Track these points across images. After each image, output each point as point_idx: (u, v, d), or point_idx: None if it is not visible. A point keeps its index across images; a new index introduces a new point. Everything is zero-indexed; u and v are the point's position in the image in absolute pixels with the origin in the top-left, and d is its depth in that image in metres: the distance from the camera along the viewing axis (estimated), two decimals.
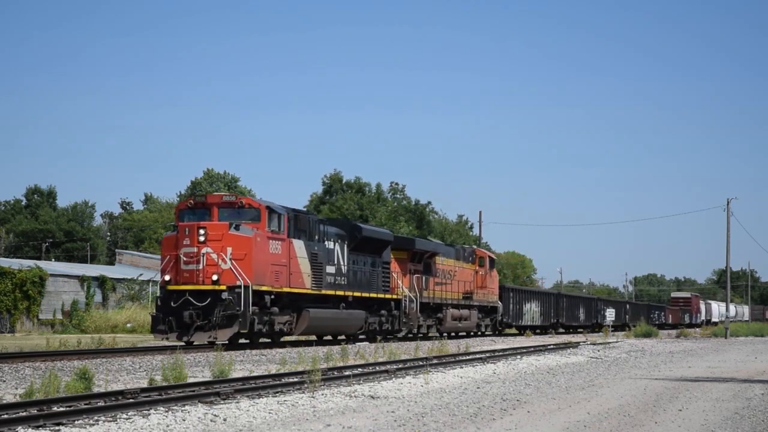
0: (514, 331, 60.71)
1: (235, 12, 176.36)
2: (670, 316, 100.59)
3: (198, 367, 21.14)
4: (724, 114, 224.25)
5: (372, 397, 15.45)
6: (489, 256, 51.55)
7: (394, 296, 38.15)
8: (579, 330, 71.06)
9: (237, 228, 27.82)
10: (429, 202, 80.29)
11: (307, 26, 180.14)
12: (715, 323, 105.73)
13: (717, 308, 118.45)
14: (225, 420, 12.34)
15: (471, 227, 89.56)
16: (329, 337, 39.49)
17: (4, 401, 13.26)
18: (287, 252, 29.79)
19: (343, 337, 36.19)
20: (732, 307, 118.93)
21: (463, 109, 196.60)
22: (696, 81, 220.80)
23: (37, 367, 19.99)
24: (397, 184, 79.76)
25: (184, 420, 12.14)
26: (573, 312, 68.50)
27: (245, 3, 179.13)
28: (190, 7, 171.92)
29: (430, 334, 42.38)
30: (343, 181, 76.92)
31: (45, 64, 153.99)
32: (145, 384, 16.35)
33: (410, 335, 41.19)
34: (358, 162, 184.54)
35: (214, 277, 27.13)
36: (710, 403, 15.68)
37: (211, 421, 12.23)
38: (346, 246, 34.06)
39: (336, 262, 33.42)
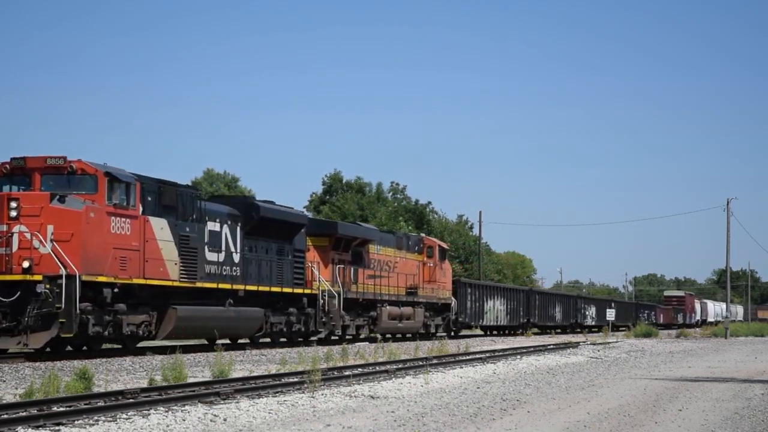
0: (476, 331, 56.34)
1: (235, 12, 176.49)
2: (662, 315, 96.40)
3: (198, 367, 21.15)
4: (724, 114, 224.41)
5: (372, 397, 15.45)
6: (439, 246, 45.65)
7: (309, 291, 32.31)
8: (557, 331, 66.55)
9: (62, 200, 21.86)
10: (429, 202, 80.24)
11: (307, 26, 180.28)
12: (712, 323, 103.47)
13: (713, 308, 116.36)
14: (225, 420, 12.34)
15: (471, 227, 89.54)
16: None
17: (4, 401, 13.26)
18: (140, 233, 23.70)
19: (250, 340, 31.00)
20: (724, 306, 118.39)
21: (463, 109, 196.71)
22: (696, 81, 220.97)
23: (37, 367, 19.98)
24: (397, 184, 79.76)
25: (184, 420, 12.14)
26: (547, 311, 63.48)
27: (245, 3, 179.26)
28: (190, 7, 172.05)
29: (362, 336, 37.19)
30: (343, 181, 76.91)
31: (45, 64, 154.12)
32: (145, 384, 16.35)
33: (335, 337, 35.67)
34: (358, 162, 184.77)
35: (26, 264, 21.26)
36: (710, 403, 15.67)
37: (211, 421, 12.22)
38: (239, 228, 28.17)
39: (223, 247, 27.47)
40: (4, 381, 17.09)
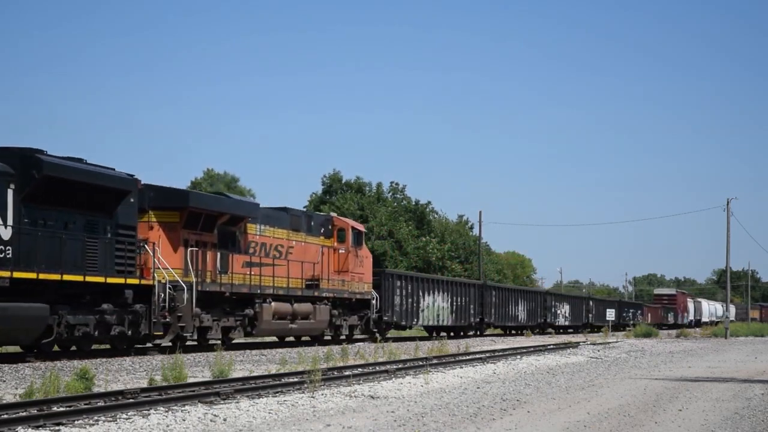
0: (412, 332, 48.67)
1: (235, 12, 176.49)
2: (649, 315, 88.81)
3: (198, 367, 21.16)
4: (724, 114, 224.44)
5: (372, 397, 15.45)
6: (353, 228, 36.70)
7: (137, 281, 24.59)
8: (522, 331, 58.67)
9: None
10: (429, 202, 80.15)
11: (307, 26, 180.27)
12: (706, 324, 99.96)
13: (708, 307, 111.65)
14: (225, 420, 12.35)
15: (471, 227, 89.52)
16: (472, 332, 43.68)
17: (4, 401, 13.26)
18: None
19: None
20: (719, 305, 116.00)
21: (463, 109, 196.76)
22: (696, 81, 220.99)
23: (37, 367, 19.99)
24: (397, 184, 79.64)
25: (184, 420, 12.14)
26: (508, 309, 55.77)
27: (245, 3, 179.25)
28: (190, 7, 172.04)
29: (236, 340, 31.12)
30: (343, 181, 76.90)
31: (45, 64, 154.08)
32: (145, 384, 16.36)
33: (192, 342, 28.63)
34: (358, 162, 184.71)
35: None
36: (710, 403, 15.68)
37: (211, 421, 12.23)
38: (12, 192, 21.01)
39: None
40: (4, 381, 17.10)
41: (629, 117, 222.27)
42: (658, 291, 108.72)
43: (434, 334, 43.76)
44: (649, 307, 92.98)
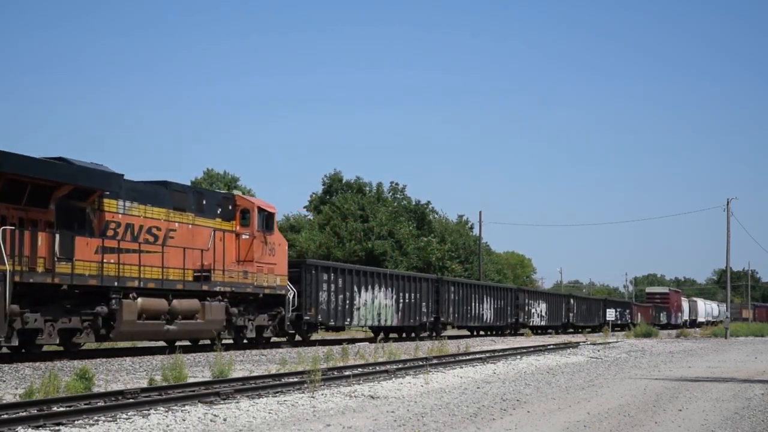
0: (347, 334, 44.65)
1: (235, 12, 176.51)
2: (639, 314, 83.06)
3: (198, 367, 21.16)
4: (724, 114, 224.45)
5: (372, 397, 15.46)
6: (260, 208, 30.22)
7: None
8: (490, 332, 54.79)
9: None
10: (429, 202, 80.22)
11: (308, 27, 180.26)
12: (702, 324, 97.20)
13: (704, 307, 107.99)
14: (225, 420, 12.35)
15: (471, 227, 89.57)
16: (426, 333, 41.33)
17: (4, 401, 13.26)
18: None
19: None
20: (715, 305, 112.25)
21: (463, 109, 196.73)
22: (696, 81, 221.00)
23: (37, 367, 19.99)
24: (397, 184, 79.70)
25: (184, 420, 12.14)
26: (470, 307, 49.61)
27: (245, 3, 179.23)
28: (190, 7, 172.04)
29: (84, 346, 25.57)
30: (343, 181, 76.95)
31: (45, 65, 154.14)
32: (145, 384, 16.36)
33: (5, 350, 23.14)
34: (358, 162, 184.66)
35: None
36: (710, 403, 15.68)
37: (211, 421, 12.23)
38: None
39: None
40: (4, 381, 17.10)
41: (629, 117, 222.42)
42: (650, 289, 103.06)
43: (383, 335, 39.10)
44: (639, 307, 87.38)
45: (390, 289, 41.01)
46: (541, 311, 60.68)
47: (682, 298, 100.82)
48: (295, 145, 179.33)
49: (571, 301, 67.93)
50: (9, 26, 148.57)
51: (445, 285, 46.82)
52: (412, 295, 43.04)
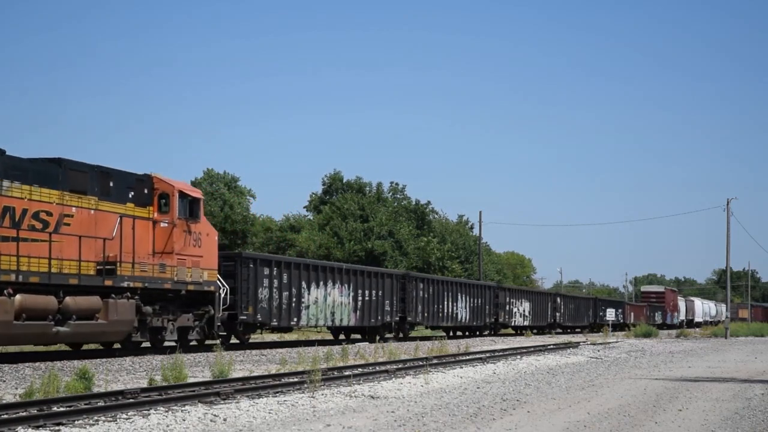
0: (302, 335, 41.57)
1: (235, 13, 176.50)
2: (632, 314, 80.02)
3: (198, 367, 21.16)
4: (724, 114, 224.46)
5: (372, 397, 15.46)
6: (182, 192, 26.32)
7: None
8: (467, 333, 50.93)
9: None
10: (429, 202, 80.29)
11: (308, 27, 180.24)
12: (699, 324, 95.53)
13: (702, 306, 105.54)
14: (225, 420, 12.35)
15: (471, 227, 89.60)
16: (329, 337, 38.11)
17: (4, 401, 13.26)
18: None
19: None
20: (713, 305, 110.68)
21: (463, 109, 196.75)
22: (696, 82, 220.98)
23: (37, 367, 19.99)
24: (397, 184, 79.80)
25: (184, 420, 12.14)
26: (442, 305, 45.90)
27: (245, 4, 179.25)
28: (190, 8, 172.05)
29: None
30: (343, 181, 77.02)
31: (46, 65, 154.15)
32: (145, 384, 16.36)
33: None
34: (358, 162, 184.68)
35: None
36: (710, 403, 15.68)
37: (211, 421, 12.23)
38: None
39: None
40: (4, 381, 17.10)
41: (629, 117, 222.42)
42: (645, 288, 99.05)
43: (341, 338, 38.67)
44: (633, 306, 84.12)
45: (346, 285, 37.14)
46: (523, 310, 56.98)
47: (679, 298, 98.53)
48: (295, 145, 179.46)
49: (558, 299, 63.93)
50: (10, 27, 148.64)
51: (412, 281, 43.03)
52: (374, 292, 39.25)
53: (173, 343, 26.19)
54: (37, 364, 21.00)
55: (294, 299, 33.37)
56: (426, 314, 44.11)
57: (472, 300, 49.60)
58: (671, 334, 63.27)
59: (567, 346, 37.50)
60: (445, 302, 46.40)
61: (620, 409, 14.38)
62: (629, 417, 13.48)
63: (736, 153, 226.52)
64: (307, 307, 34.16)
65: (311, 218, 75.27)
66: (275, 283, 32.10)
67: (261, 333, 37.25)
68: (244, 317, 30.44)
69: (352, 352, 26.74)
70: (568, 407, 14.59)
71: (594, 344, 40.67)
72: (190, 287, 26.61)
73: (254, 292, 30.93)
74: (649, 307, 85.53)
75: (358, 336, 40.78)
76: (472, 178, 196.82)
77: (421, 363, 22.65)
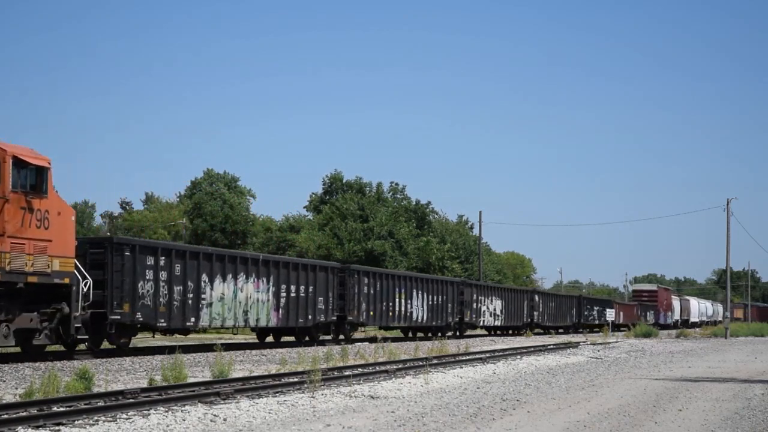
0: (169, 340, 32.88)
1: (235, 13, 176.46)
2: (621, 314, 75.10)
3: (198, 367, 21.16)
4: (724, 114, 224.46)
5: (372, 397, 15.46)
6: (18, 158, 21.17)
7: None
8: (426, 335, 45.32)
9: None
10: (429, 202, 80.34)
11: (308, 27, 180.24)
12: (695, 325, 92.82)
13: (697, 306, 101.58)
14: (225, 420, 12.35)
15: (471, 227, 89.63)
16: (329, 337, 37.62)
17: (4, 401, 13.26)
18: None
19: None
20: (710, 305, 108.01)
21: (463, 109, 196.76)
22: (696, 82, 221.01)
23: (37, 367, 19.99)
24: (397, 184, 79.87)
25: (184, 420, 12.15)
26: (393, 303, 40.30)
27: (245, 4, 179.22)
28: (190, 8, 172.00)
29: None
30: (343, 181, 77.07)
31: (46, 65, 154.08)
32: (145, 384, 16.36)
33: None
34: (358, 162, 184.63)
35: None
36: (710, 403, 15.68)
37: (211, 421, 12.23)
38: None
39: None
40: (4, 381, 17.10)
41: (629, 117, 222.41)
42: (637, 286, 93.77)
43: (268, 341, 34.23)
44: (622, 305, 79.21)
45: (265, 279, 31.42)
46: (494, 309, 51.41)
47: (673, 297, 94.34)
48: (295, 145, 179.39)
49: (536, 297, 58.86)
50: (10, 27, 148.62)
51: (354, 276, 37.41)
52: (303, 287, 33.48)
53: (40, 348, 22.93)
54: (37, 364, 21.00)
55: (191, 295, 27.97)
56: (372, 313, 38.71)
57: (431, 297, 44.13)
58: (671, 334, 63.26)
59: (567, 346, 37.53)
60: (397, 299, 40.77)
61: (620, 409, 14.38)
62: (629, 417, 13.48)
63: (736, 153, 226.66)
64: (209, 304, 28.83)
65: (311, 218, 75.29)
66: (163, 275, 26.83)
67: (153, 336, 32.12)
68: (117, 317, 25.10)
69: (352, 352, 26.75)
70: (568, 407, 14.59)
71: (594, 344, 40.70)
72: (31, 279, 21.26)
73: (132, 287, 25.62)
74: (640, 307, 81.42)
75: (292, 338, 35.46)
76: (472, 178, 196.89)
77: (421, 363, 22.65)
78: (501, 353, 29.31)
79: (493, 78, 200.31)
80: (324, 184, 78.56)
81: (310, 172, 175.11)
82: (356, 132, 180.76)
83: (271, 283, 31.75)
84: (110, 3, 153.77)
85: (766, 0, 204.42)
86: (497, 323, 53.08)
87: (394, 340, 31.61)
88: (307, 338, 34.77)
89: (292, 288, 33.11)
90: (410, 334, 45.75)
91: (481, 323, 50.61)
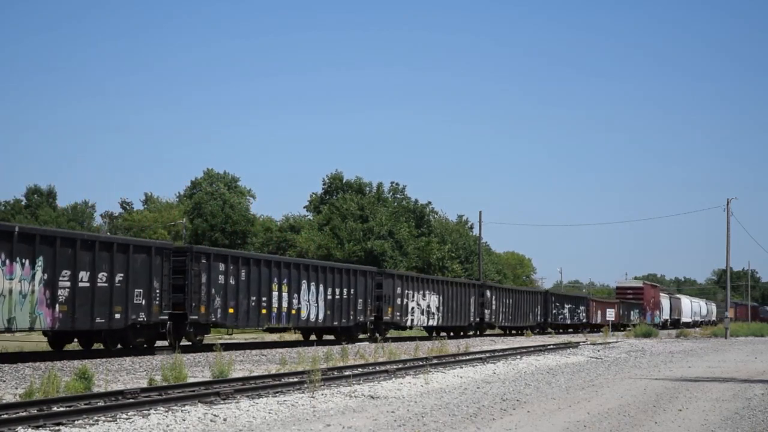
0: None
1: (235, 13, 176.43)
2: (599, 313, 67.79)
3: (198, 367, 21.16)
4: (724, 114, 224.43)
5: (372, 397, 15.46)
6: None
7: None
8: (332, 337, 37.25)
9: None
10: (429, 202, 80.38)
11: (308, 27, 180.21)
12: (687, 325, 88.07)
13: (689, 305, 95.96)
14: (225, 420, 12.35)
15: (471, 227, 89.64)
16: (330, 337, 37.33)
17: (4, 401, 13.26)
18: None
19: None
20: (703, 304, 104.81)
21: (463, 109, 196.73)
22: (696, 82, 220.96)
23: (37, 367, 19.99)
24: (397, 184, 79.93)
25: (184, 420, 12.15)
26: (266, 298, 30.93)
27: (246, 4, 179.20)
28: (190, 8, 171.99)
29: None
30: (343, 181, 77.10)
31: (45, 65, 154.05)
32: (145, 384, 16.37)
33: None
34: (358, 162, 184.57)
35: None
36: (710, 403, 15.69)
37: (211, 421, 12.23)
38: None
39: None
40: (4, 381, 17.10)
41: (629, 117, 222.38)
42: (620, 283, 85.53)
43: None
44: (601, 303, 71.05)
45: (30, 261, 22.42)
46: (428, 306, 43.21)
47: (662, 295, 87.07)
48: (295, 145, 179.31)
49: (488, 293, 50.25)
50: (9, 27, 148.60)
51: (199, 261, 27.98)
52: (105, 274, 24.61)
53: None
54: (37, 364, 21.01)
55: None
56: (235, 310, 29.49)
57: (331, 290, 34.89)
58: (671, 334, 63.25)
59: (567, 346, 37.56)
60: (275, 293, 31.46)
61: (620, 409, 14.38)
62: (629, 417, 13.48)
63: (736, 153, 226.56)
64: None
65: (311, 218, 75.31)
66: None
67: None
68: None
69: (352, 352, 26.75)
70: (568, 407, 14.59)
71: (594, 344, 40.74)
72: None
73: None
74: (622, 305, 73.94)
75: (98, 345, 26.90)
76: (472, 178, 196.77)
77: (421, 363, 22.65)
78: (501, 353, 29.33)
79: (493, 78, 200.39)
80: (324, 184, 78.61)
81: (310, 172, 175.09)
82: (356, 132, 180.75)
83: (41, 267, 22.52)
84: (110, 3, 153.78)
85: (766, 0, 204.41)
86: (432, 323, 44.24)
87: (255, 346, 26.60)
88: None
89: (86, 275, 24.02)
90: (309, 337, 37.06)
91: (409, 323, 41.69)
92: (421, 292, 42.79)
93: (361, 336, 37.85)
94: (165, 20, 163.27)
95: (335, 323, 35.41)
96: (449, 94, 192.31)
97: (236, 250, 42.32)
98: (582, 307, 65.38)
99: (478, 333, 48.64)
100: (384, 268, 44.99)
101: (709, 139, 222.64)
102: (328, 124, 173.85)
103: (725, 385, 19.48)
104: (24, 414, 11.96)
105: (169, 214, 78.89)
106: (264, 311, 30.97)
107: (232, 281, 29.41)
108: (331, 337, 37.33)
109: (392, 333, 42.76)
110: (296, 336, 37.83)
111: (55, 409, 12.68)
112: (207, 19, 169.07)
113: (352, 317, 36.47)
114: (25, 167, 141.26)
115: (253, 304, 30.39)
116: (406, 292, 41.29)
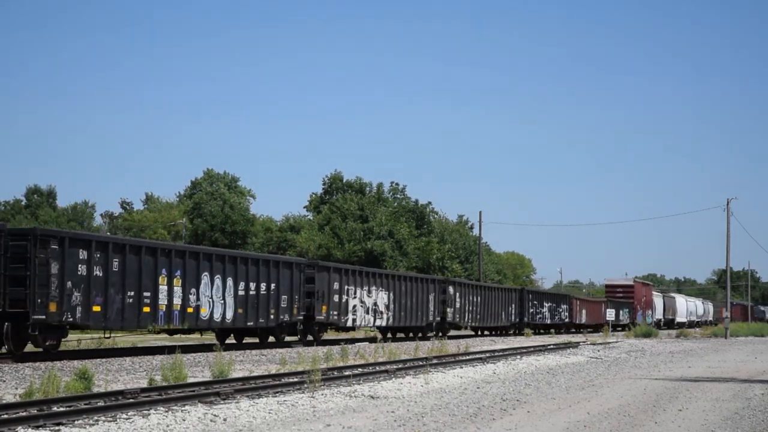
0: None
1: (235, 12, 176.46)
2: (584, 312, 63.53)
3: (198, 367, 21.16)
4: (724, 114, 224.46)
5: (372, 397, 15.46)
6: None
7: None
8: (253, 341, 32.79)
9: None
10: (429, 202, 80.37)
11: (308, 26, 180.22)
12: (682, 325, 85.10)
13: (685, 305, 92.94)
14: (225, 420, 12.35)
15: (471, 227, 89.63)
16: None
17: (4, 401, 13.26)
18: None
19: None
20: (700, 303, 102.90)
21: (463, 109, 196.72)
22: (696, 82, 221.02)
23: (37, 367, 19.99)
24: (397, 184, 79.94)
25: (184, 420, 12.15)
26: (150, 293, 25.18)
27: (246, 4, 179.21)
28: (190, 7, 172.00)
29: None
30: (343, 181, 77.10)
31: (45, 64, 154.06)
32: (145, 384, 16.36)
33: None
34: (358, 162, 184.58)
35: None
36: (710, 403, 15.69)
37: (211, 421, 12.24)
38: None
39: None
40: (4, 381, 17.09)
41: (629, 117, 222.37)
42: (610, 281, 79.74)
43: None
44: (586, 302, 66.80)
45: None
46: (374, 304, 37.91)
47: (654, 293, 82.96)
48: (295, 145, 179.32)
49: (451, 289, 45.06)
50: (7, 25, 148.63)
51: (46, 244, 22.00)
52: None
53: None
54: (37, 364, 21.00)
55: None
56: (103, 308, 23.64)
57: (244, 284, 29.46)
58: (671, 335, 63.25)
59: (567, 346, 37.57)
60: (164, 287, 25.81)
61: (620, 409, 14.38)
62: (629, 417, 13.48)
63: (736, 153, 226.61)
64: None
65: (311, 218, 75.31)
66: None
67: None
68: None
69: (351, 352, 26.76)
70: (568, 407, 14.59)
71: (594, 344, 40.74)
72: None
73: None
74: (610, 303, 69.76)
75: None
76: (472, 178, 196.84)
77: (421, 363, 22.65)
78: (501, 353, 29.33)
79: (493, 78, 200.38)
80: (324, 184, 78.60)
81: (310, 172, 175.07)
82: (356, 132, 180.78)
83: None
84: (110, 2, 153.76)
85: (766, 0, 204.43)
86: (380, 323, 38.68)
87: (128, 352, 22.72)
88: None
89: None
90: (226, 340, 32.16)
91: (350, 323, 36.42)
92: (366, 288, 37.20)
93: (287, 339, 33.15)
94: (165, 20, 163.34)
95: (250, 323, 29.81)
96: (449, 94, 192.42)
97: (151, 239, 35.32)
98: (564, 306, 60.72)
99: (439, 334, 41.05)
100: (317, 260, 37.91)
101: (709, 139, 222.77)
102: (328, 123, 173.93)
103: (725, 385, 19.48)
104: (24, 414, 11.96)
105: (169, 214, 78.87)
106: (147, 309, 24.98)
107: (98, 272, 23.31)
108: (255, 340, 32.58)
109: (335, 335, 38.57)
110: (209, 337, 33.35)
111: (55, 409, 12.68)
112: (207, 18, 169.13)
113: (273, 316, 30.91)
114: (25, 167, 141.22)
115: (130, 300, 24.35)
116: (346, 287, 35.69)
